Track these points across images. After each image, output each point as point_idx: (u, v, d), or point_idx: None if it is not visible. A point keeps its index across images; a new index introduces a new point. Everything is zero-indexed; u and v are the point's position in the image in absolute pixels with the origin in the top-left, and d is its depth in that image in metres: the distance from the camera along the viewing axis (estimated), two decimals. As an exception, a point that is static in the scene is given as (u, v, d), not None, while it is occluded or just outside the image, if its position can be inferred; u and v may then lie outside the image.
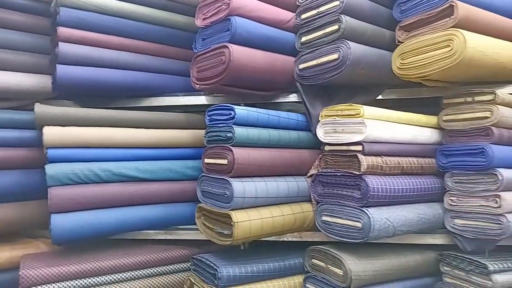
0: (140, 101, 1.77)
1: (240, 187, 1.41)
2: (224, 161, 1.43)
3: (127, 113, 1.65)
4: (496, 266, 1.39)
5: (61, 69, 1.59)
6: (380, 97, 1.66)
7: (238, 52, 1.46)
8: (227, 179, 1.42)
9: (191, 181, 1.68)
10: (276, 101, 1.72)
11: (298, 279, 1.56)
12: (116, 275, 1.53)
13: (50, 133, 1.51)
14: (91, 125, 1.59)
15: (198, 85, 1.61)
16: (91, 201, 1.50)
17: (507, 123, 1.45)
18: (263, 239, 1.56)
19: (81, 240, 1.50)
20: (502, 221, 1.38)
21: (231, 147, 1.42)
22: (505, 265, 1.41)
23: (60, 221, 1.45)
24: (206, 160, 1.53)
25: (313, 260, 1.53)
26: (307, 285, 1.53)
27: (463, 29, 1.34)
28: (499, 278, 1.37)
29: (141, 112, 1.68)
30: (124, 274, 1.54)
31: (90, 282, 1.47)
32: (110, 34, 1.70)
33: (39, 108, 1.53)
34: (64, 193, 1.47)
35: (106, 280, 1.50)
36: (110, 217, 1.52)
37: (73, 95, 1.74)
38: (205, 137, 1.55)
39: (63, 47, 1.59)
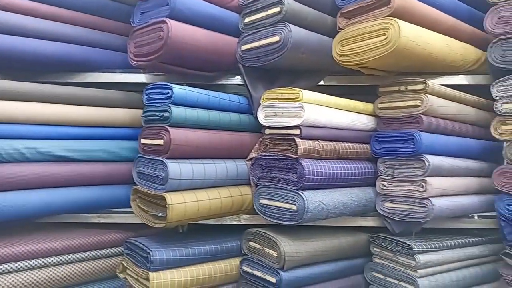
0: (73, 76, 1.66)
1: (176, 168, 1.37)
2: (160, 142, 1.39)
3: (58, 88, 1.53)
4: (420, 247, 1.47)
5: (-18, 37, 1.45)
6: (322, 83, 1.69)
7: (177, 29, 1.41)
8: (163, 160, 1.38)
9: (126, 162, 1.62)
10: (219, 82, 1.69)
11: (235, 261, 1.56)
12: (45, 259, 1.44)
13: (-32, 106, 1.38)
14: (17, 99, 1.46)
15: (135, 62, 1.54)
16: (14, 181, 1.39)
17: (436, 112, 1.53)
18: (202, 222, 1.55)
19: (1, 222, 1.40)
20: (427, 205, 1.46)
21: (167, 127, 1.38)
22: (429, 246, 1.50)
23: (-22, 203, 1.34)
24: (143, 141, 1.47)
25: (250, 243, 1.54)
26: (243, 267, 1.54)
27: (399, 18, 1.39)
28: (422, 258, 1.46)
29: (74, 88, 1.57)
30: (54, 259, 1.45)
31: (16, 267, 1.37)
32: (41, 2, 1.57)
33: (-45, 78, 1.39)
34: (-17, 172, 1.36)
35: (34, 265, 1.41)
36: (34, 198, 1.42)
37: (-1, 67, 1.60)
38: (142, 116, 1.49)
39: (-15, 13, 1.45)
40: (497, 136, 1.53)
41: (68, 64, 1.62)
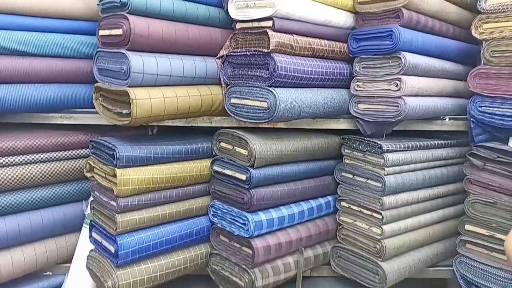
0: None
1: (139, 61, 1.28)
2: (119, 31, 1.27)
3: (0, -29, 1.35)
4: (389, 146, 1.48)
5: None
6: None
7: None
8: (124, 52, 1.27)
9: (87, 59, 1.50)
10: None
11: (206, 162, 1.54)
12: (6, 158, 1.38)
13: None
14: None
15: None
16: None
17: (418, 7, 1.44)
18: (172, 124, 1.50)
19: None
20: (399, 103, 1.44)
21: (126, 15, 1.25)
22: (398, 145, 1.52)
23: None
24: (101, 32, 1.35)
25: (221, 144, 1.51)
26: (214, 167, 1.53)
27: None
28: (390, 156, 1.48)
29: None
30: (16, 158, 1.40)
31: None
32: None
33: None
34: None
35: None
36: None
37: None
38: (98, 5, 1.35)
39: None
40: (477, 36, 1.48)
41: None
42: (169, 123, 1.50)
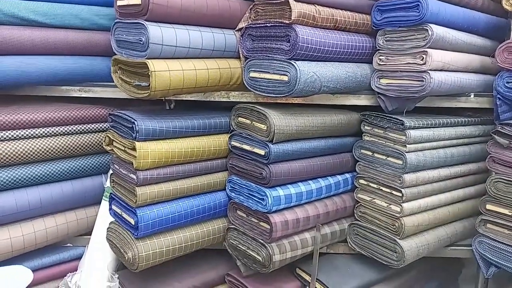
0: None
1: (157, 32, 1.25)
2: (138, 1, 1.24)
3: None
4: (411, 123, 1.45)
5: None
6: None
7: None
8: (142, 22, 1.25)
9: (104, 31, 1.48)
10: None
11: (224, 137, 1.53)
12: (26, 130, 1.39)
13: None
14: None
15: None
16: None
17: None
18: (190, 98, 1.48)
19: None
20: (424, 78, 1.39)
21: (145, -16, 1.22)
22: (420, 122, 1.48)
23: None
24: (119, 2, 1.32)
25: (239, 119, 1.49)
26: (232, 142, 1.51)
27: None
28: (412, 133, 1.44)
29: None
30: (34, 131, 1.41)
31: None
32: None
33: None
34: None
35: (13, 136, 1.37)
36: (5, 64, 1.31)
37: None
38: (116, -26, 1.32)
39: None
40: (508, 8, 1.41)
41: None
42: (187, 97, 1.48)
